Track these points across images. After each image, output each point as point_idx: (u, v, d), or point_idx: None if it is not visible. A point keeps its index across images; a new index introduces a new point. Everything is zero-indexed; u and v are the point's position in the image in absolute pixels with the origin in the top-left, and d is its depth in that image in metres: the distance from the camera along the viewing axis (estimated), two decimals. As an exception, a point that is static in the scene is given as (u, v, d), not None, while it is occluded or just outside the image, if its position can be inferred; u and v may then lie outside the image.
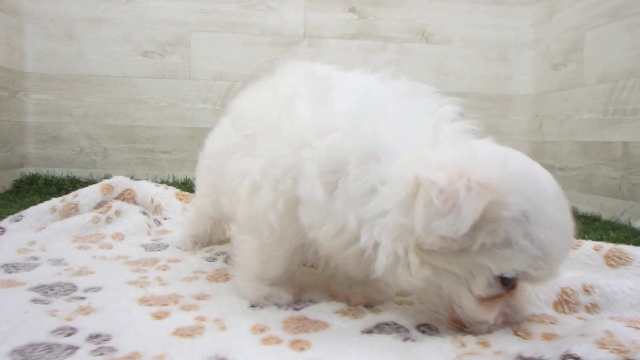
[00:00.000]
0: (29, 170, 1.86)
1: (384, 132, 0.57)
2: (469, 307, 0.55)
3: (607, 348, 0.51)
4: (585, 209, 1.57)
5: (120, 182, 1.23)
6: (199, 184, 0.96)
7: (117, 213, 1.14)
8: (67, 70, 1.87)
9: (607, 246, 0.83)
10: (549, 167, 1.83)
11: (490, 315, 0.56)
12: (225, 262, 0.89)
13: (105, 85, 1.88)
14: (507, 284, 0.55)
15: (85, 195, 1.16)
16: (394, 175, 0.55)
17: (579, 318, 0.65)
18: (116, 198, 1.20)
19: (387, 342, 0.55)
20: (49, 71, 1.87)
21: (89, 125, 1.89)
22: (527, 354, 0.50)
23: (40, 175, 1.81)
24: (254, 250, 0.66)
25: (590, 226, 1.36)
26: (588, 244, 0.86)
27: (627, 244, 1.11)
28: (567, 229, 0.54)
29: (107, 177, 1.54)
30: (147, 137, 1.92)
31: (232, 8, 1.92)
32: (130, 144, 1.91)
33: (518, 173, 0.52)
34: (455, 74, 2.00)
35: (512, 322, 0.59)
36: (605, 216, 1.46)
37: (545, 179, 0.55)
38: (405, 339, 0.56)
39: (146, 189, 1.29)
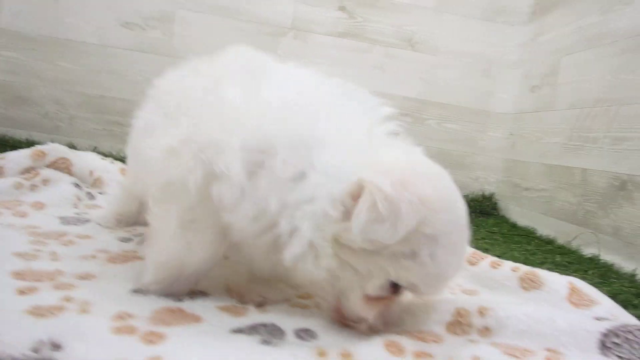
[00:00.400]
0: None
1: (318, 121, 0.58)
2: (354, 302, 0.58)
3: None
4: (543, 231, 1.59)
5: (54, 149, 1.15)
6: (128, 162, 0.91)
7: (45, 181, 1.07)
8: (43, 31, 1.80)
9: (523, 268, 0.85)
10: (517, 186, 1.86)
11: (369, 313, 0.58)
12: (139, 243, 0.85)
13: (81, 51, 1.82)
14: (396, 290, 0.58)
15: (12, 159, 1.09)
16: (328, 164, 0.55)
17: (470, 341, 0.64)
18: (48, 166, 1.12)
19: (242, 344, 0.53)
20: (23, 29, 1.78)
21: (58, 90, 1.83)
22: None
23: None
24: (174, 222, 0.60)
25: (542, 248, 1.38)
26: (507, 265, 0.88)
27: (569, 269, 1.14)
28: (461, 257, 0.60)
29: (70, 145, 1.50)
30: (117, 110, 1.88)
31: (223, -10, 1.88)
32: (99, 115, 1.87)
33: (445, 195, 0.56)
34: (438, 84, 2.00)
35: (390, 324, 0.61)
36: (560, 240, 1.48)
37: (460, 206, 0.58)
38: (264, 342, 0.54)
39: (86, 160, 1.22)
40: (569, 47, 1.61)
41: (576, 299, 0.76)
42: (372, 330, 0.60)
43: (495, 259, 0.92)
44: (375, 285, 0.56)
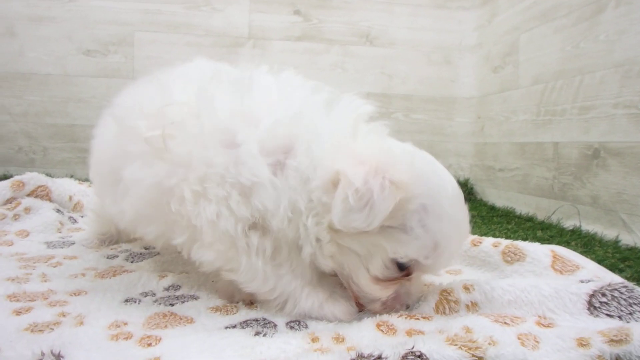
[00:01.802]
0: None
1: (314, 121, 0.60)
2: (364, 285, 0.59)
3: (455, 344, 0.50)
4: (521, 209, 1.58)
5: (32, 178, 1.20)
6: (95, 185, 0.89)
7: (27, 210, 1.12)
8: (7, 67, 1.83)
9: (504, 242, 0.83)
10: (490, 169, 1.85)
11: (383, 293, 0.60)
12: (126, 259, 0.87)
13: (46, 83, 1.85)
14: (403, 269, 0.59)
15: None
16: (321, 160, 0.57)
17: (460, 317, 0.62)
18: (28, 195, 1.17)
19: (236, 337, 0.54)
20: None
21: (29, 123, 1.85)
22: (366, 351, 0.48)
23: None
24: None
25: (522, 226, 1.36)
26: (488, 241, 0.86)
27: (551, 242, 1.12)
28: (459, 225, 0.59)
29: (47, 176, 1.50)
30: (87, 136, 1.82)
31: (177, 9, 1.90)
32: (71, 143, 1.87)
33: (423, 171, 0.58)
34: (399, 76, 2.00)
35: (404, 304, 0.62)
36: (540, 216, 1.47)
37: (446, 179, 0.60)
38: (257, 334, 0.55)
39: (64, 186, 1.27)
40: (526, 23, 1.62)
41: (560, 266, 0.75)
42: (390, 312, 0.61)
43: (475, 237, 0.89)
44: (377, 265, 0.58)
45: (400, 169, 0.54)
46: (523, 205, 1.59)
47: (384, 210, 0.53)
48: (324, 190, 0.56)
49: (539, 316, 0.60)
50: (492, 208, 1.70)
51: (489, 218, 1.50)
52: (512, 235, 1.22)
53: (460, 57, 2.02)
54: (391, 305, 0.61)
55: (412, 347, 0.48)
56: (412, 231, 0.55)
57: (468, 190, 1.94)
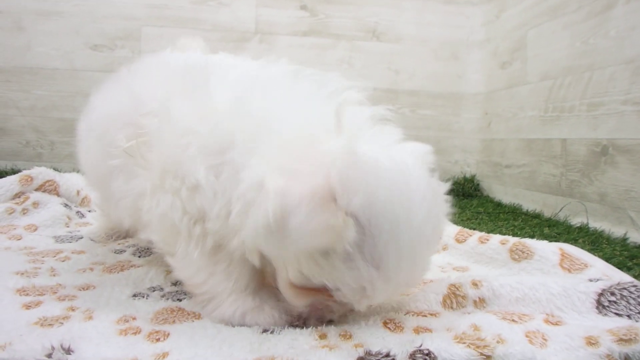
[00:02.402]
0: None
1: (269, 111, 0.54)
2: (282, 287, 0.54)
3: (463, 342, 0.50)
4: (528, 206, 1.58)
5: (41, 173, 1.20)
6: (88, 181, 0.90)
7: (35, 204, 1.12)
8: (15, 62, 1.83)
9: (512, 240, 0.83)
10: (497, 165, 1.84)
11: (298, 301, 0.53)
12: (134, 254, 0.88)
13: (54, 78, 1.85)
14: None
15: (1, 186, 1.13)
16: (261, 158, 0.50)
17: (466, 313, 0.62)
18: (36, 189, 1.18)
19: (245, 335, 0.54)
20: None
21: (36, 118, 1.86)
22: (374, 349, 0.48)
23: None
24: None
25: (529, 223, 1.36)
26: (495, 238, 0.86)
27: (558, 240, 1.12)
28: (415, 266, 0.50)
29: (54, 170, 1.51)
30: None
31: (183, 3, 1.90)
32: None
33: (388, 198, 0.46)
34: (406, 71, 1.99)
35: (325, 319, 0.56)
36: (547, 213, 1.46)
37: (414, 209, 0.48)
38: (264, 331, 0.55)
39: (72, 180, 1.27)
40: (534, 19, 1.60)
41: (568, 264, 0.75)
42: (304, 322, 0.56)
43: (483, 234, 0.90)
44: (293, 272, 0.49)
45: (356, 191, 0.44)
46: (530, 202, 1.59)
47: (304, 242, 0.45)
48: (254, 190, 0.48)
49: (547, 314, 0.60)
50: (499, 205, 1.69)
51: (495, 215, 1.50)
52: (519, 232, 1.21)
53: (467, 53, 2.00)
54: (314, 319, 0.56)
55: (420, 345, 0.48)
56: (349, 262, 0.46)
57: (474, 187, 1.94)
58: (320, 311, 0.55)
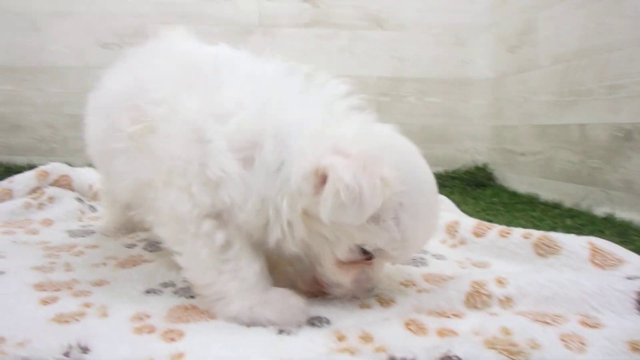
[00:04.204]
0: None
1: (286, 111, 0.59)
2: (328, 268, 0.59)
3: (494, 348, 0.46)
4: (546, 195, 1.52)
5: (56, 168, 1.22)
6: (97, 169, 0.93)
7: (50, 199, 1.14)
8: (31, 62, 1.93)
9: (536, 234, 0.78)
10: (510, 152, 1.78)
11: (345, 278, 0.59)
12: (144, 248, 0.88)
13: (66, 75, 1.93)
14: (366, 253, 0.59)
15: (19, 182, 1.16)
16: (298, 150, 0.56)
17: (491, 314, 0.57)
18: (51, 184, 1.20)
19: (260, 335, 0.52)
20: (14, 63, 1.90)
21: (50, 114, 1.95)
22: (399, 355, 0.44)
23: (2, 163, 1.86)
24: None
25: (548, 214, 1.30)
26: (517, 232, 0.81)
27: (583, 232, 1.06)
28: (429, 224, 0.59)
29: (67, 164, 1.54)
30: None
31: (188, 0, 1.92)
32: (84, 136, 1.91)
33: (406, 168, 0.56)
34: (411, 59, 1.94)
35: (365, 289, 0.62)
36: (567, 203, 1.40)
37: (424, 177, 0.58)
38: (280, 332, 0.53)
39: (84, 175, 1.29)
40: (544, 0, 1.53)
41: (600, 260, 0.70)
42: (349, 297, 0.61)
43: (503, 227, 0.85)
44: (343, 250, 0.57)
45: (387, 164, 0.53)
46: (548, 191, 1.53)
47: (373, 206, 0.52)
48: (304, 178, 0.54)
49: (582, 314, 0.55)
50: (514, 194, 1.63)
51: (511, 205, 1.44)
52: (538, 224, 1.16)
53: (473, 38, 1.94)
54: (353, 291, 0.61)
55: (448, 351, 0.44)
56: (384, 223, 0.54)
57: (487, 176, 1.88)
58: (361, 282, 0.60)
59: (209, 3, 1.91)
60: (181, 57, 0.70)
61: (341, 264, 0.59)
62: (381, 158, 0.53)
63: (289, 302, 0.57)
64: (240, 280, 0.57)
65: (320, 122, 0.58)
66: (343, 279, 0.60)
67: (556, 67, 1.48)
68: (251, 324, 0.56)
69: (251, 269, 0.58)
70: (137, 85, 0.68)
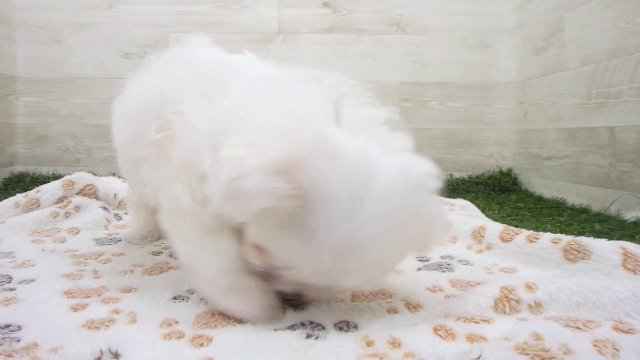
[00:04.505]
0: (18, 168, 1.95)
1: (248, 107, 0.57)
2: (245, 244, 0.55)
3: (526, 354, 0.45)
4: (573, 200, 1.48)
5: (81, 177, 1.24)
6: (125, 176, 0.95)
7: (77, 208, 1.16)
8: (55, 73, 1.96)
9: (565, 238, 0.76)
10: (536, 157, 1.75)
11: (258, 260, 0.54)
12: (170, 255, 0.89)
13: (89, 86, 1.96)
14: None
15: (46, 191, 1.17)
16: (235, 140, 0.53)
17: (520, 319, 0.56)
18: (77, 193, 1.22)
19: (288, 340, 0.52)
20: (38, 75, 1.95)
21: (74, 125, 1.98)
22: (429, 360, 0.43)
23: (28, 174, 1.90)
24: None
25: (576, 218, 1.27)
26: (546, 237, 0.79)
27: (612, 236, 1.03)
28: (378, 246, 0.48)
29: (92, 174, 1.58)
30: None
31: (208, 8, 1.94)
32: (112, 143, 1.93)
33: (334, 184, 0.47)
34: (434, 63, 1.92)
35: (301, 296, 0.58)
36: (595, 207, 1.36)
37: (378, 180, 0.47)
38: (308, 337, 0.52)
39: (109, 184, 1.30)
40: (571, 1, 1.51)
41: (632, 265, 0.68)
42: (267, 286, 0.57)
43: (531, 232, 0.83)
44: (252, 234, 0.53)
45: (306, 168, 0.46)
46: (575, 196, 1.49)
47: (253, 205, 0.47)
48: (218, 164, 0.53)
49: (615, 320, 0.53)
50: (540, 199, 1.60)
51: (537, 210, 1.41)
52: (566, 229, 1.13)
53: (497, 41, 1.92)
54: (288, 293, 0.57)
55: (480, 357, 0.43)
56: (304, 232, 0.47)
57: (512, 181, 1.84)
58: (278, 279, 0.55)
59: (228, 11, 1.94)
60: (202, 66, 0.71)
61: (257, 247, 0.54)
62: (295, 172, 0.46)
63: (252, 296, 0.58)
64: (219, 259, 0.58)
65: (278, 120, 0.53)
66: (254, 259, 0.55)
67: (585, 68, 1.45)
68: (215, 305, 0.58)
69: (230, 251, 0.58)
70: (161, 94, 0.69)
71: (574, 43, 1.50)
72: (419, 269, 0.79)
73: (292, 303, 0.60)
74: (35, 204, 1.15)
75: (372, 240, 0.47)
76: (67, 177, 1.23)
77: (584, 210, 1.36)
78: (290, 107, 0.54)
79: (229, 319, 0.58)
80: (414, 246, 0.55)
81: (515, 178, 1.86)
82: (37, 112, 1.97)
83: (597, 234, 1.06)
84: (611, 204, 1.31)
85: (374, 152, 0.49)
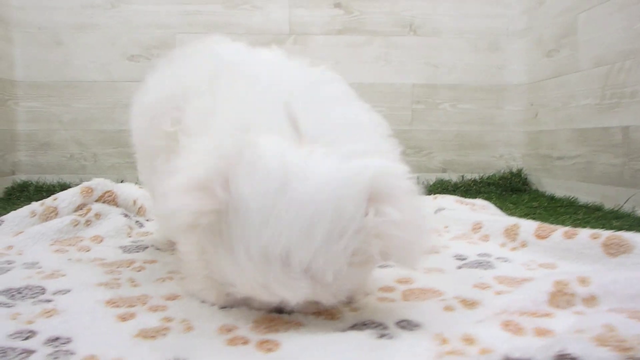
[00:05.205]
0: (21, 177, 1.86)
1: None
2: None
3: (607, 345, 0.45)
4: (585, 198, 1.51)
5: (100, 184, 1.20)
6: (143, 180, 0.94)
7: (97, 215, 1.12)
8: (56, 77, 1.88)
9: (605, 234, 0.77)
10: (547, 157, 1.77)
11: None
12: None
13: (93, 90, 1.88)
14: None
15: (64, 199, 1.13)
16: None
17: (576, 313, 0.57)
18: (96, 200, 1.18)
19: (359, 341, 0.51)
20: (37, 79, 1.87)
21: (78, 131, 1.90)
22: (515, 355, 0.44)
23: (32, 182, 1.82)
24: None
25: (592, 216, 1.29)
26: (584, 232, 0.80)
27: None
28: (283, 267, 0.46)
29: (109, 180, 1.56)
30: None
31: (216, 8, 1.90)
32: (119, 148, 1.87)
33: (251, 197, 0.46)
34: (445, 65, 1.94)
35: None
36: (608, 205, 1.39)
37: (294, 179, 0.45)
38: (381, 336, 0.51)
39: (128, 191, 1.27)
40: (584, 2, 1.53)
41: (673, 258, 0.69)
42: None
43: (568, 228, 0.84)
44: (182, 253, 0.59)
45: (225, 184, 0.46)
46: (586, 195, 1.52)
47: (178, 227, 0.48)
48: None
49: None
50: (552, 198, 1.62)
51: (552, 209, 1.43)
52: (585, 226, 1.14)
53: (508, 43, 1.94)
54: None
55: (563, 349, 0.44)
56: (227, 245, 0.47)
57: (522, 181, 1.87)
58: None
59: (238, 12, 1.89)
60: (223, 63, 0.69)
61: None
62: (216, 188, 0.46)
63: (206, 294, 0.61)
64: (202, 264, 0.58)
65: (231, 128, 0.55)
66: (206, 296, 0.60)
67: (598, 69, 1.48)
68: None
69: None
70: (180, 89, 0.68)
71: (587, 44, 1.53)
72: (459, 267, 0.80)
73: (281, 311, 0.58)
74: (54, 212, 1.10)
75: (290, 249, 0.45)
76: (85, 184, 1.19)
77: (598, 208, 1.39)
78: (242, 114, 0.54)
79: (288, 322, 0.57)
80: (362, 257, 0.48)
81: (526, 178, 1.88)
82: (39, 118, 1.89)
83: (616, 230, 1.08)
84: (626, 202, 1.33)
85: (294, 158, 0.46)
